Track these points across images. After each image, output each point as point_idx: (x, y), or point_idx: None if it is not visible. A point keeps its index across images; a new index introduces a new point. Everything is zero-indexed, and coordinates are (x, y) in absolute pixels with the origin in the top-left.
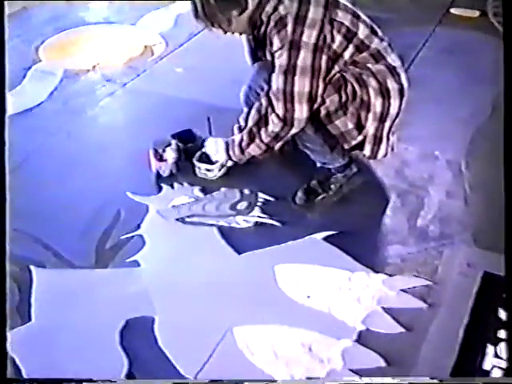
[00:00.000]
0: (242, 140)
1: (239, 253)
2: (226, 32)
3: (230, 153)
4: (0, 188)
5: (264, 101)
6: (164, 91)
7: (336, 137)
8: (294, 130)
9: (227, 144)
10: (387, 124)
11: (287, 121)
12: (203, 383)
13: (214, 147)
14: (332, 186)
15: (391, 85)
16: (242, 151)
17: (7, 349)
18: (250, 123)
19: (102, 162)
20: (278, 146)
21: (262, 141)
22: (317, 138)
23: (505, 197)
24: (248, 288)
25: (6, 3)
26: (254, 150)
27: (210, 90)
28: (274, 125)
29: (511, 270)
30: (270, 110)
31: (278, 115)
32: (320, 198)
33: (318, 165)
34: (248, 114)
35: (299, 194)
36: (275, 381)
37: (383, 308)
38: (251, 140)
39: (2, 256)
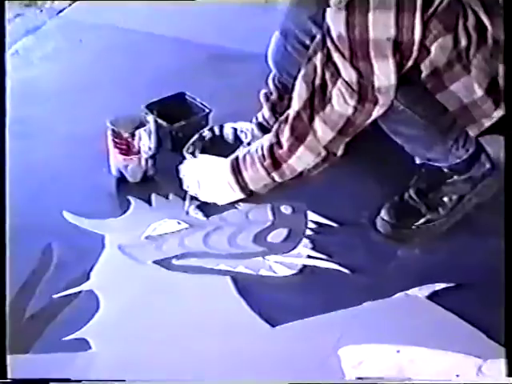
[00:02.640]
0: (273, 145)
1: (273, 325)
2: None
3: (247, 176)
4: None
5: (319, 60)
6: (131, 24)
7: (452, 113)
8: (377, 111)
9: (234, 164)
10: None
11: (365, 91)
12: None
13: (203, 171)
14: (445, 200)
15: None
16: (277, 164)
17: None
18: (297, 105)
19: (15, 154)
20: (341, 149)
21: (318, 139)
22: (416, 116)
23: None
24: None
25: (6, 3)
26: (302, 160)
27: (213, 22)
28: (341, 101)
29: (511, 271)
30: (329, 75)
31: (347, 82)
32: (422, 221)
33: (419, 161)
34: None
35: (384, 214)
36: None
37: None
38: (298, 139)
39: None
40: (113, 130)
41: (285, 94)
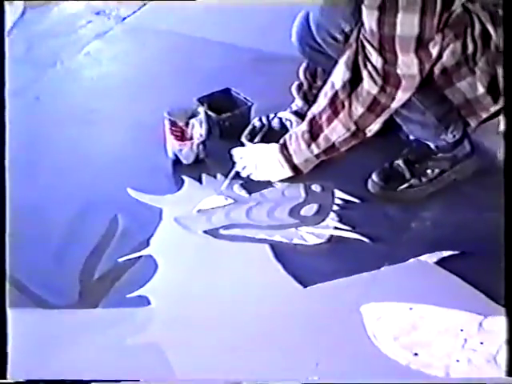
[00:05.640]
0: (311, 120)
1: (305, 285)
2: None
3: (292, 149)
4: None
5: (354, 48)
6: (185, 29)
7: (456, 107)
8: (401, 94)
9: (282, 143)
10: None
11: (389, 76)
12: None
13: (259, 158)
14: (428, 171)
15: None
16: (315, 135)
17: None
18: (337, 85)
19: (87, 140)
20: (373, 128)
21: (350, 114)
22: (417, 102)
23: (505, 201)
24: (320, 342)
25: (5, 3)
26: (335, 131)
27: (256, 28)
28: (369, 81)
29: (510, 268)
30: (361, 60)
31: (374, 67)
32: (405, 186)
33: (412, 137)
34: (314, 69)
35: (375, 177)
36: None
37: None
38: (334, 113)
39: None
40: (169, 120)
41: (313, 84)
